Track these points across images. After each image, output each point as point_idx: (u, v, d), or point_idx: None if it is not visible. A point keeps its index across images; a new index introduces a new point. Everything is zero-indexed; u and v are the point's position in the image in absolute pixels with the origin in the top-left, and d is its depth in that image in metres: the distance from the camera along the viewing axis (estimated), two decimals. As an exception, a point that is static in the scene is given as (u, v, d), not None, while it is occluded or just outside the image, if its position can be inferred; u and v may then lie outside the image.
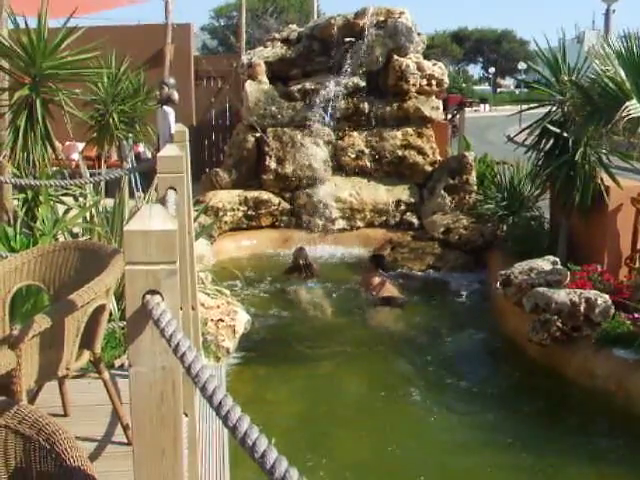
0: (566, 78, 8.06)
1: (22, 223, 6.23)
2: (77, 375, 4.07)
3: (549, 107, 8.46)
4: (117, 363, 4.96)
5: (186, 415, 2.89)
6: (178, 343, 1.37)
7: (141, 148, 13.56)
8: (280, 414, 5.76)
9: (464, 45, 76.31)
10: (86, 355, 3.65)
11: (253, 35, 26.77)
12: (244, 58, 12.96)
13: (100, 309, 3.59)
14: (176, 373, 1.50)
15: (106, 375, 3.75)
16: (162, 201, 2.61)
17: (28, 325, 3.08)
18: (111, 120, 9.29)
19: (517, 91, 64.55)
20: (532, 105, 8.96)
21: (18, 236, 5.82)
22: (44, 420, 1.89)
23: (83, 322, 3.44)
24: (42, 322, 3.08)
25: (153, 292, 1.45)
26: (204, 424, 4.07)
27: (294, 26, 13.86)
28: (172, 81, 4.83)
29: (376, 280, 9.23)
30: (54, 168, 7.25)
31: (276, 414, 5.73)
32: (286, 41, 13.02)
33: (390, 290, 9.07)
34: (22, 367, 3.07)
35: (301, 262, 9.92)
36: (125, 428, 3.77)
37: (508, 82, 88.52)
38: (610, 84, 6.99)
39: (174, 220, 1.53)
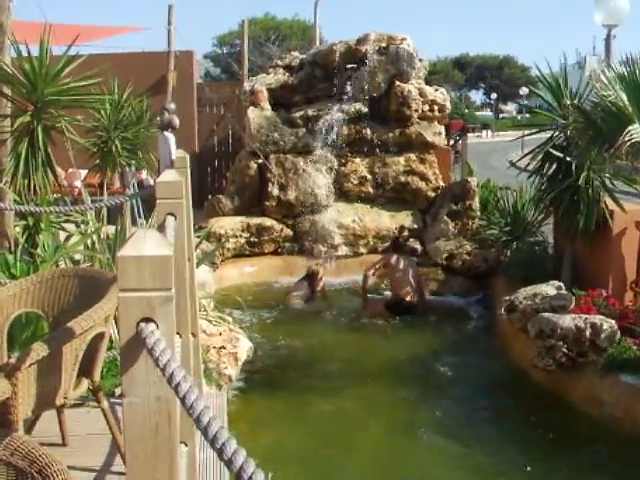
0: (568, 102, 8.05)
1: (23, 250, 6.19)
2: (76, 404, 4.01)
3: (552, 132, 8.45)
4: (117, 392, 4.89)
5: (185, 445, 2.83)
6: (172, 373, 1.32)
7: (144, 175, 13.55)
8: (281, 444, 5.68)
9: (466, 71, 76.71)
10: (85, 384, 3.60)
11: (255, 63, 26.90)
12: (246, 85, 12.98)
13: (99, 337, 3.54)
14: (171, 404, 1.45)
15: (105, 404, 3.69)
16: (161, 227, 2.58)
17: (25, 353, 3.03)
18: (114, 147, 9.28)
19: (519, 117, 64.77)
20: (535, 130, 8.96)
21: (18, 263, 5.78)
22: (37, 452, 1.84)
23: (82, 350, 3.40)
24: (39, 350, 3.04)
25: (147, 320, 1.41)
26: (204, 454, 4.00)
27: (296, 53, 13.91)
28: (173, 106, 4.81)
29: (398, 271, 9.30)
30: (56, 195, 7.22)
31: (277, 444, 5.65)
32: (288, 68, 13.06)
33: (409, 293, 9.08)
34: (19, 396, 3.02)
35: (315, 272, 9.92)
36: (124, 458, 3.70)
37: (510, 108, 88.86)
38: (612, 108, 6.98)
39: (169, 245, 1.49)
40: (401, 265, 9.49)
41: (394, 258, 9.61)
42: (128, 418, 1.46)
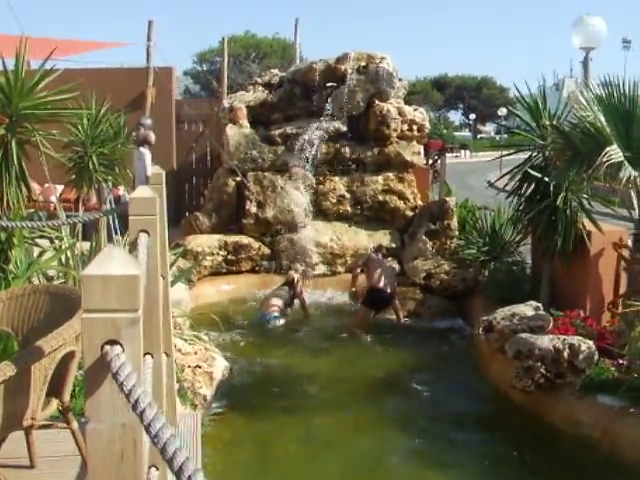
0: (547, 122, 8.07)
1: (-6, 266, 6.06)
2: (45, 424, 3.90)
3: (530, 152, 8.47)
4: (89, 411, 4.78)
5: (156, 468, 2.74)
6: (138, 399, 1.25)
7: (121, 191, 13.42)
8: (256, 467, 5.58)
9: (445, 92, 77.18)
10: (54, 404, 3.50)
11: (235, 80, 26.87)
12: (225, 102, 12.95)
13: (70, 356, 3.44)
14: (137, 430, 1.38)
15: (75, 425, 3.59)
16: (133, 244, 2.50)
17: (-9, 373, 2.93)
18: (90, 163, 9.18)
19: (497, 137, 65.28)
20: (513, 150, 8.98)
21: (-11, 279, 5.66)
22: (-2, 479, 1.75)
23: (51, 369, 3.30)
24: (6, 370, 2.94)
25: (113, 342, 1.34)
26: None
27: (276, 71, 13.91)
28: (149, 122, 4.75)
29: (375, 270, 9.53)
30: (29, 210, 7.11)
31: (251, 467, 5.55)
32: (268, 85, 13.05)
33: (387, 285, 9.37)
34: (-16, 418, 2.92)
35: (294, 279, 10.01)
36: (94, 481, 3.59)
37: (488, 128, 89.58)
38: (590, 129, 7.00)
39: (137, 264, 1.42)
40: (383, 265, 9.75)
41: (377, 257, 9.90)
42: (92, 445, 1.39)
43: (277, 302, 9.75)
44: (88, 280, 1.32)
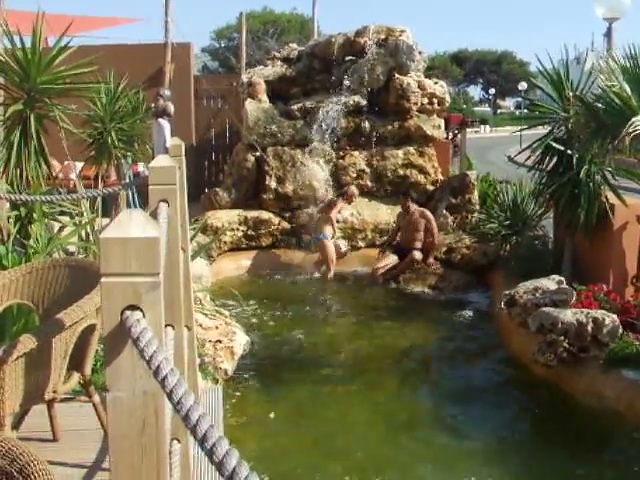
0: (571, 93, 7.94)
1: (15, 241, 6.07)
2: (67, 398, 3.90)
3: (553, 125, 8.34)
4: (111, 385, 4.77)
5: (178, 441, 2.72)
6: (159, 365, 1.21)
7: (140, 167, 13.40)
8: (277, 442, 5.56)
9: (464, 66, 76.46)
10: (75, 377, 3.49)
11: (253, 57, 26.75)
12: (244, 77, 12.84)
13: (90, 329, 3.43)
14: (159, 398, 1.34)
15: (96, 398, 3.59)
16: (153, 214, 2.46)
17: (12, 346, 2.92)
18: (109, 138, 9.17)
19: (517, 112, 64.73)
20: (535, 123, 8.85)
21: (10, 254, 5.66)
22: (18, 449, 1.73)
23: (72, 343, 3.29)
24: (27, 343, 2.93)
25: (133, 307, 1.29)
26: (199, 450, 3.87)
27: (294, 45, 13.78)
28: (168, 93, 4.65)
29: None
30: (48, 187, 7.09)
31: (273, 441, 5.54)
32: (286, 60, 12.93)
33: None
34: (5, 390, 2.91)
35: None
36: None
37: (508, 103, 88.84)
38: (616, 100, 6.88)
39: (157, 227, 1.37)
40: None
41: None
42: (112, 414, 1.35)
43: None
44: (107, 243, 1.28)
